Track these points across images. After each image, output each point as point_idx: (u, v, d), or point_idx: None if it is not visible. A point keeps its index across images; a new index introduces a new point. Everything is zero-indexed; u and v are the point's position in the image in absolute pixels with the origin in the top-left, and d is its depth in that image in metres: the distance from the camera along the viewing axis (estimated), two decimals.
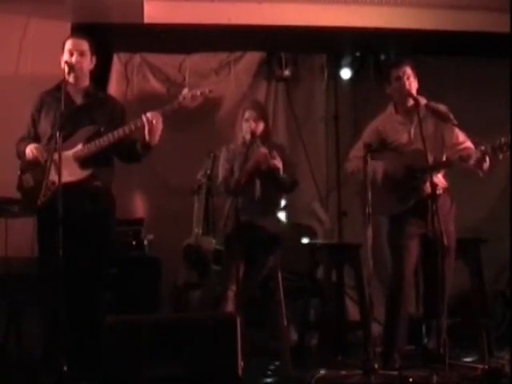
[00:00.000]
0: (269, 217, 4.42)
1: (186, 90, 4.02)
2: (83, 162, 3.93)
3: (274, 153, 4.37)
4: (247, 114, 4.50)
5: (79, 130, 3.96)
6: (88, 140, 3.94)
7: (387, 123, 4.36)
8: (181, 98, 4.00)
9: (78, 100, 4.07)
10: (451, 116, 4.22)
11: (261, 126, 4.49)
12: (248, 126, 4.46)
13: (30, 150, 3.95)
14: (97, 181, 3.99)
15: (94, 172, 3.96)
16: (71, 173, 3.84)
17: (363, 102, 5.99)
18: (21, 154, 4.06)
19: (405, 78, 4.26)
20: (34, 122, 4.10)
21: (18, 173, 4.04)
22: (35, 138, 4.09)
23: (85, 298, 3.88)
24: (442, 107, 4.27)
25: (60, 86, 3.97)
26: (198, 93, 4.01)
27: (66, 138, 3.77)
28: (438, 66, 5.91)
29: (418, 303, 5.01)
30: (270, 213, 4.46)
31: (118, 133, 3.91)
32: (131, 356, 3.39)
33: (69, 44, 4.04)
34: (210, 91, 4.06)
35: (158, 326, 3.51)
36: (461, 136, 4.26)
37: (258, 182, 4.41)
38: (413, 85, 4.27)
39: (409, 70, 4.28)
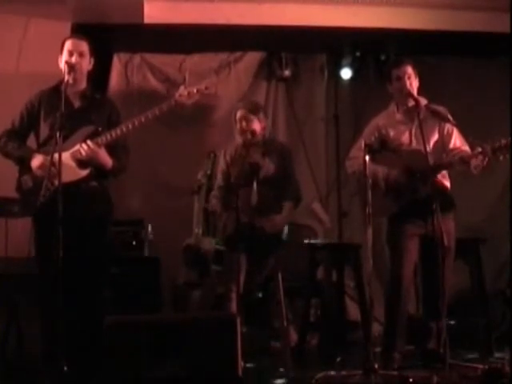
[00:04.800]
0: (269, 218, 4.42)
1: (182, 88, 4.04)
2: (81, 162, 3.93)
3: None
4: (238, 115, 4.46)
5: (78, 131, 3.96)
6: (86, 140, 3.93)
7: (388, 121, 4.37)
8: (177, 95, 4.02)
9: (76, 102, 4.06)
10: (450, 117, 4.23)
11: (254, 124, 4.45)
12: (240, 126, 4.43)
13: (40, 165, 3.91)
14: (93, 181, 4.00)
15: (91, 172, 3.96)
16: (69, 173, 3.83)
17: (363, 102, 5.98)
18: (13, 157, 4.04)
19: (406, 78, 4.26)
20: (28, 118, 4.06)
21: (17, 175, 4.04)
22: (21, 132, 4.07)
23: (84, 298, 3.88)
24: (441, 109, 4.28)
25: (58, 88, 3.98)
26: (195, 90, 4.03)
27: (64, 139, 3.76)
28: (438, 66, 5.91)
29: (418, 303, 5.02)
30: (270, 214, 4.45)
31: (116, 132, 3.92)
32: (131, 356, 3.39)
33: (69, 44, 4.04)
34: (207, 88, 4.08)
35: (158, 325, 3.51)
36: (458, 141, 4.27)
37: (255, 184, 4.40)
38: (414, 85, 4.27)
39: (410, 70, 4.28)
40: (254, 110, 4.50)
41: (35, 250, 4.01)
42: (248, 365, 3.72)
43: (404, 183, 4.16)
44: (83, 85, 4.10)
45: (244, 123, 4.41)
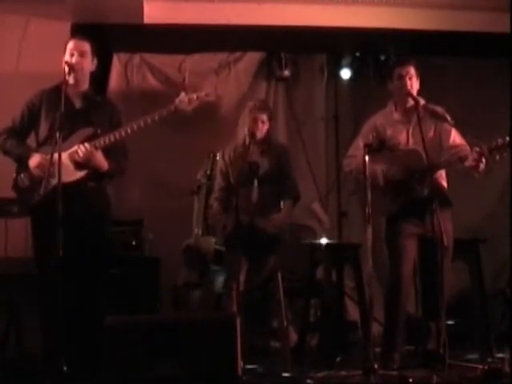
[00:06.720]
0: (269, 217, 4.42)
1: (183, 94, 4.06)
2: (78, 163, 3.93)
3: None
4: (250, 111, 4.50)
5: (77, 132, 3.96)
6: (85, 142, 3.94)
7: (386, 121, 4.36)
8: (177, 101, 4.03)
9: (77, 103, 4.07)
10: (448, 117, 4.23)
11: (263, 123, 4.49)
12: (249, 122, 4.45)
13: (37, 164, 3.91)
14: (91, 181, 4.00)
15: (89, 173, 3.96)
16: (66, 173, 3.82)
17: (363, 102, 5.98)
18: (12, 154, 4.03)
19: (407, 77, 4.25)
20: (28, 117, 4.06)
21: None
22: (21, 131, 4.07)
23: (83, 297, 3.88)
24: (439, 109, 4.28)
25: (59, 87, 3.98)
26: (195, 96, 4.04)
27: (63, 139, 3.76)
28: (438, 66, 5.92)
29: (417, 303, 5.01)
30: (270, 213, 4.45)
31: (115, 135, 3.93)
32: (131, 356, 3.39)
33: (70, 44, 4.05)
34: (207, 94, 4.10)
35: (158, 325, 3.51)
36: (457, 138, 4.27)
37: (255, 184, 4.41)
38: (414, 85, 4.27)
39: (412, 70, 4.27)
40: (265, 109, 4.59)
41: (34, 250, 4.01)
42: (248, 365, 3.71)
43: (402, 180, 4.16)
44: (85, 86, 4.11)
45: (258, 117, 4.46)
